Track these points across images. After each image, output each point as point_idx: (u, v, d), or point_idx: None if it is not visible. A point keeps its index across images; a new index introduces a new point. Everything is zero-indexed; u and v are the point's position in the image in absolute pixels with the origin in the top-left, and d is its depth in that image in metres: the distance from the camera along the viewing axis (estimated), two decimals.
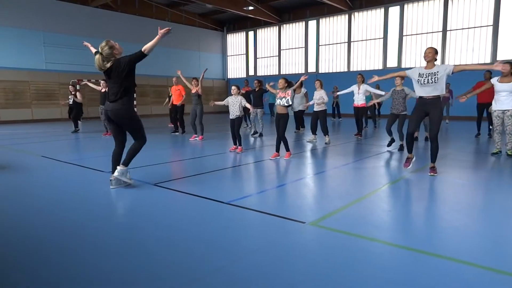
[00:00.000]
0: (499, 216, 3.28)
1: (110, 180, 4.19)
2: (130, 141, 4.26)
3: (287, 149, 6.27)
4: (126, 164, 4.16)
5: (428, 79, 4.67)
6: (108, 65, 3.96)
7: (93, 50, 4.42)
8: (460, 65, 4.64)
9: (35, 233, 2.89)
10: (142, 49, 3.90)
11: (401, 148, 7.09)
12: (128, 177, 4.21)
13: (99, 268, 2.27)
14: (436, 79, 4.62)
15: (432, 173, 4.88)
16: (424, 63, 4.88)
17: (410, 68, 5.14)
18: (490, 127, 9.31)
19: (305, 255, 2.47)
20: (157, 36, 3.88)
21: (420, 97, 4.87)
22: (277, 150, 6.32)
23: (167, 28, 3.92)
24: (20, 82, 15.80)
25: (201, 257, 2.41)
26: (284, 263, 2.32)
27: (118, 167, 4.13)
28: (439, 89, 4.67)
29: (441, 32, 16.54)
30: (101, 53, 3.94)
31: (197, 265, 2.30)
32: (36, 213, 3.40)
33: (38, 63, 16.35)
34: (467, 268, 2.24)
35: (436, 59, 4.73)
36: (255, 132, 9.77)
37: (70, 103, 11.14)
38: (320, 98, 8.24)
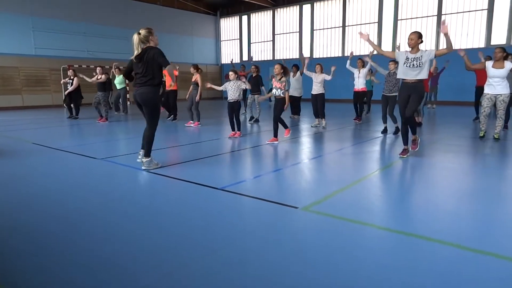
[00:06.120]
0: (489, 199, 3.33)
1: (142, 161, 4.50)
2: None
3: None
4: (147, 154, 4.46)
5: (413, 63, 4.77)
6: (143, 46, 4.17)
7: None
8: (440, 49, 4.74)
9: (34, 221, 2.87)
10: (166, 65, 4.15)
11: (396, 132, 7.11)
12: (155, 164, 4.50)
13: (94, 255, 2.27)
14: (420, 63, 4.74)
15: (413, 148, 5.19)
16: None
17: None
18: None
19: (297, 240, 2.49)
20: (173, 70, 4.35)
21: (403, 81, 4.99)
22: (275, 135, 6.36)
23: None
24: (9, 68, 15.45)
25: (194, 242, 2.42)
26: (276, 247, 2.34)
27: (143, 160, 4.47)
28: (422, 74, 4.79)
29: (436, 16, 16.42)
30: (139, 33, 4.15)
31: (190, 249, 2.31)
32: (33, 200, 3.38)
33: (27, 48, 15.95)
34: (456, 251, 2.27)
35: (421, 42, 4.77)
36: (252, 118, 9.74)
37: (69, 88, 10.82)
38: (321, 80, 8.36)
